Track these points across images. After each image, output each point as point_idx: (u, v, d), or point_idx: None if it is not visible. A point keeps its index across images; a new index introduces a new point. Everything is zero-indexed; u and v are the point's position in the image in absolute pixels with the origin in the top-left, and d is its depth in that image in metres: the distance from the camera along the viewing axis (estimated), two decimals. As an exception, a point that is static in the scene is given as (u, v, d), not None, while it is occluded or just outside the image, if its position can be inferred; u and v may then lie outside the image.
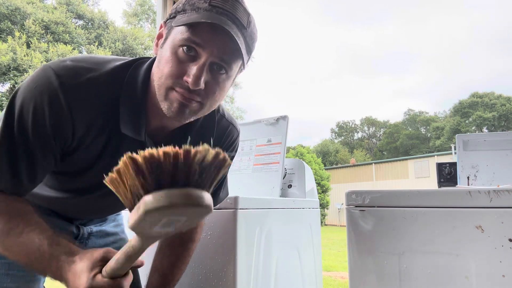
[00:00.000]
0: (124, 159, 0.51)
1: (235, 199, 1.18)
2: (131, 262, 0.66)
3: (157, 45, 0.81)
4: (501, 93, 35.28)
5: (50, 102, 0.73)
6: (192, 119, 0.82)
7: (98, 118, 0.78)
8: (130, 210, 0.55)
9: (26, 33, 14.18)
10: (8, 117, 0.73)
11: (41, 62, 12.88)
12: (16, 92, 0.75)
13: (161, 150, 0.50)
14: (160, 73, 0.76)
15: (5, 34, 14.28)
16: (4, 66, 12.80)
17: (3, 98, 13.02)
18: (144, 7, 24.39)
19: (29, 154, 0.75)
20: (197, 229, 1.10)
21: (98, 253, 0.70)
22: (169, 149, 0.50)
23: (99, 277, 0.68)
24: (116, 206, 1.05)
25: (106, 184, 0.57)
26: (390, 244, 1.00)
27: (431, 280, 0.94)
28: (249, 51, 0.82)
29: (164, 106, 0.77)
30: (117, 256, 0.66)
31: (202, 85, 0.74)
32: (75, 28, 15.90)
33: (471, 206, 0.93)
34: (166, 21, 0.80)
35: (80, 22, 17.50)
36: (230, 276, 1.14)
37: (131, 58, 0.86)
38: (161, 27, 0.82)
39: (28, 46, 13.76)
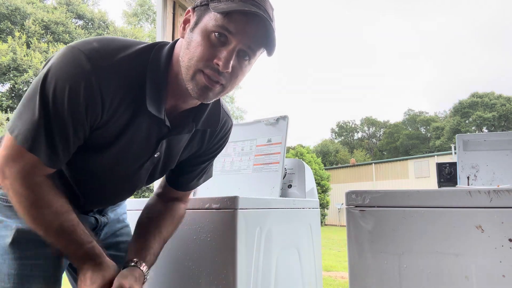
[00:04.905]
0: None
1: (235, 199, 1.18)
2: None
3: (184, 29, 0.86)
4: (501, 93, 35.28)
5: (84, 84, 0.77)
6: (213, 100, 0.89)
7: (126, 96, 0.84)
8: None
9: (26, 33, 14.18)
10: (43, 97, 0.77)
11: (41, 62, 12.88)
12: (47, 73, 0.78)
13: None
14: (190, 55, 0.81)
15: (5, 34, 14.28)
16: (4, 66, 12.81)
17: (3, 98, 13.01)
18: (144, 7, 24.38)
19: (63, 130, 0.80)
20: (181, 205, 1.16)
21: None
22: None
23: None
24: (137, 185, 1.06)
25: None
26: (390, 244, 1.00)
27: (431, 280, 0.94)
28: None
29: (189, 86, 0.83)
30: None
31: (230, 68, 0.80)
32: (75, 28, 15.91)
33: (471, 206, 0.93)
34: (195, 7, 0.85)
35: (80, 22, 17.50)
36: (230, 276, 1.14)
37: (151, 42, 0.91)
38: (187, 12, 0.87)
39: (28, 46, 13.76)
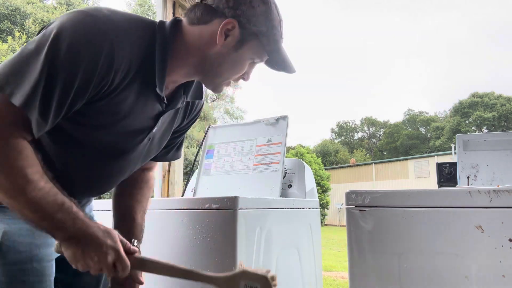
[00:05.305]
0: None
1: (235, 199, 1.18)
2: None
3: (225, 38, 0.87)
4: (501, 93, 35.26)
5: (101, 49, 0.75)
6: None
7: (134, 67, 0.83)
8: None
9: (26, 33, 14.18)
10: (52, 57, 0.72)
11: (41, 62, 12.87)
12: (58, 34, 0.73)
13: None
14: (231, 72, 0.93)
15: (5, 34, 14.29)
16: (4, 66, 12.77)
17: (3, 98, 12.98)
18: (144, 7, 24.39)
19: (63, 96, 0.74)
20: (151, 173, 1.18)
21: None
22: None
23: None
24: (135, 164, 1.04)
25: None
26: (390, 244, 1.00)
27: (431, 280, 0.94)
28: None
29: (211, 86, 0.96)
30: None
31: None
32: (75, 28, 15.88)
33: (471, 206, 0.93)
34: (239, 21, 0.87)
35: (80, 22, 17.46)
36: (230, 276, 1.14)
37: (150, 19, 0.91)
38: (230, 22, 0.86)
39: (28, 46, 13.73)
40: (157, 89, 0.87)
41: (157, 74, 0.86)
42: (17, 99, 0.72)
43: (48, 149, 0.86)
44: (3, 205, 0.80)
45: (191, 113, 1.13)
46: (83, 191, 1.00)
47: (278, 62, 0.95)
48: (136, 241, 1.05)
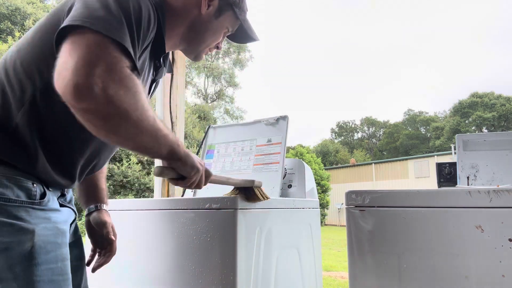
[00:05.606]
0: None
1: (235, 199, 1.18)
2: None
3: (208, 6, 0.99)
4: (501, 93, 35.26)
5: (150, 9, 0.83)
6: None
7: (150, 36, 0.87)
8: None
9: (26, 33, 14.16)
10: (121, 3, 0.76)
11: (41, 62, 12.86)
12: None
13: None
14: (211, 39, 1.04)
15: (5, 34, 14.30)
16: (4, 66, 12.77)
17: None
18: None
19: (136, 38, 0.79)
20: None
21: None
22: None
23: None
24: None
25: None
26: (390, 244, 1.00)
27: (431, 280, 0.95)
28: None
29: (192, 54, 1.05)
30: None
31: None
32: (75, 28, 15.88)
33: (471, 206, 0.93)
34: None
35: (80, 22, 17.47)
36: (230, 276, 1.14)
37: None
38: None
39: (28, 46, 13.73)
40: (162, 58, 0.95)
41: (166, 42, 0.92)
42: (111, 32, 0.70)
43: (55, 126, 0.84)
44: (26, 205, 0.81)
45: (155, 87, 1.20)
46: (85, 167, 0.97)
47: (248, 30, 1.09)
48: (104, 204, 1.14)
